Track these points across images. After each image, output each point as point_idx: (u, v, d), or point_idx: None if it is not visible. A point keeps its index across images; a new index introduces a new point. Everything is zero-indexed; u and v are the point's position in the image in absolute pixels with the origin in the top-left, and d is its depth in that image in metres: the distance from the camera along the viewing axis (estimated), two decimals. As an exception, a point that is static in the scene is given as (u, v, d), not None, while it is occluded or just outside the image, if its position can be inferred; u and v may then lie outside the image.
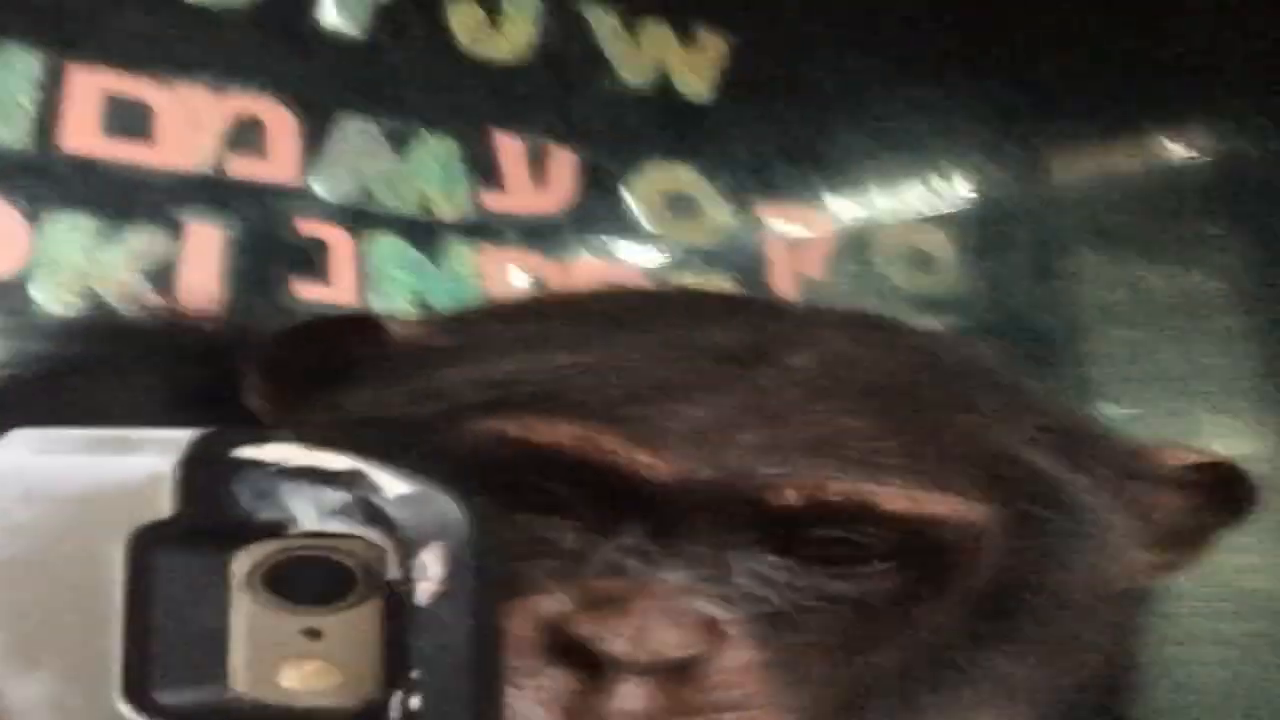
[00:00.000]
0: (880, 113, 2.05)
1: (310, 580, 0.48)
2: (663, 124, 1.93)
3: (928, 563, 0.79)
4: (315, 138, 1.75)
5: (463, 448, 0.80)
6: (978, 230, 2.10)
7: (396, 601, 0.47)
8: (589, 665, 0.74)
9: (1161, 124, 2.22)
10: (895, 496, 0.77)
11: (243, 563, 0.47)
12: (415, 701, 0.46)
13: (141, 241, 1.63)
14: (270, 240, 1.71)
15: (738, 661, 0.76)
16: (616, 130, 1.90)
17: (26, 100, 1.62)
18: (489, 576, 0.49)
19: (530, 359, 0.82)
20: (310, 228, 1.73)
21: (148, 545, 0.47)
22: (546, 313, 0.91)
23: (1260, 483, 0.90)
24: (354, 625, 0.47)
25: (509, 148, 1.84)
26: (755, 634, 0.78)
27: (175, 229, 1.66)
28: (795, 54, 2.01)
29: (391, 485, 0.48)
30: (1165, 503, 0.89)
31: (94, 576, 0.47)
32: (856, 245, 2.01)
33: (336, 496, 0.47)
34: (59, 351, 1.13)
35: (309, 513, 0.47)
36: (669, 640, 0.75)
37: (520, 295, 1.05)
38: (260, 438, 0.48)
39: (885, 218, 2.04)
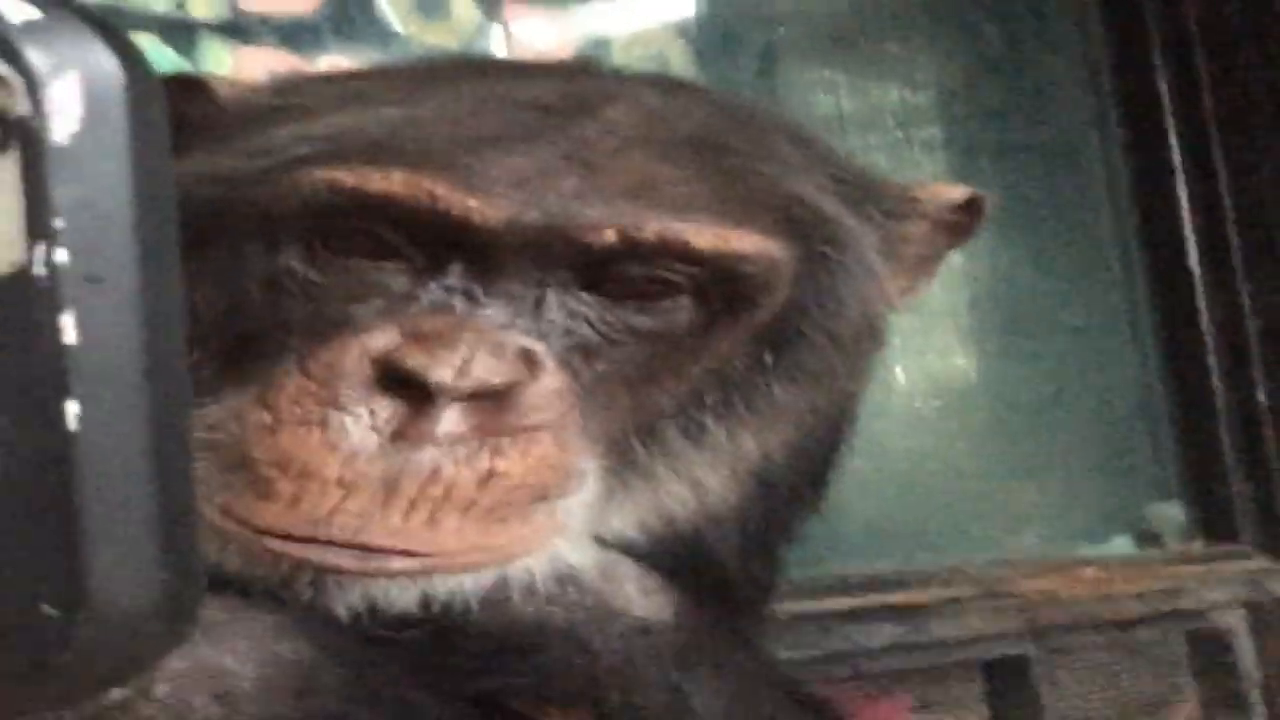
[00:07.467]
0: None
1: None
2: (413, -76, 1.93)
3: (728, 297, 0.87)
4: (59, -69, 1.70)
5: (296, 197, 0.84)
6: (710, 37, 2.16)
7: (31, 143, 0.41)
8: (416, 394, 0.81)
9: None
10: (703, 234, 0.84)
11: None
12: (61, 255, 0.41)
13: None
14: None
15: (550, 389, 0.84)
16: (368, -70, 1.89)
17: None
18: (148, 124, 0.43)
19: (360, 114, 0.86)
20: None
21: None
22: (372, 75, 0.95)
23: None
24: None
25: (261, -54, 1.81)
26: (567, 365, 0.85)
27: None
28: None
29: (14, 9, 0.41)
30: (917, 235, 0.99)
31: None
32: (599, 50, 2.06)
33: None
34: None
35: None
36: (490, 369, 0.82)
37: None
38: None
39: (628, 24, 2.09)
